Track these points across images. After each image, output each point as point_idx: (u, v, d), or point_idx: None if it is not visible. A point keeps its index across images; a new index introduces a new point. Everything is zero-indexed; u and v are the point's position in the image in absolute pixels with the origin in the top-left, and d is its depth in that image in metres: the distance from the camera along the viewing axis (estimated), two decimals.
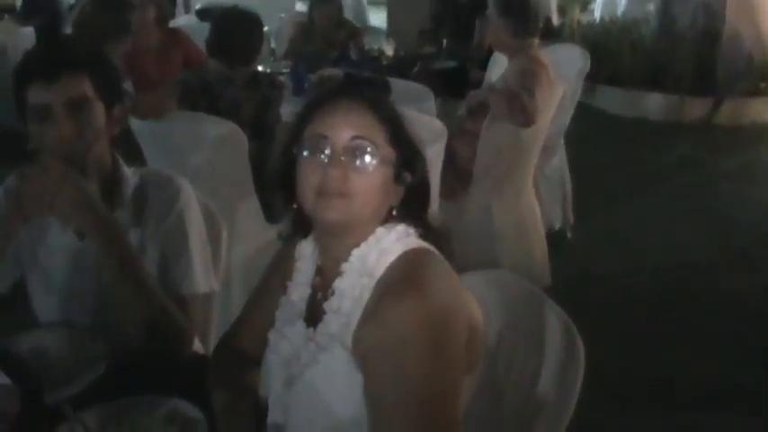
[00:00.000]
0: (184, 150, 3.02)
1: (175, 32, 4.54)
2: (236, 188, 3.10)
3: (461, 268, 1.40)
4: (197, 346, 1.90)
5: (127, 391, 1.55)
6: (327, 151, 1.29)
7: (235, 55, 3.17)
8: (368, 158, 1.30)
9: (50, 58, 1.72)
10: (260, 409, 1.43)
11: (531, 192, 3.82)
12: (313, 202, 1.30)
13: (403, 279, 1.27)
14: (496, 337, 1.61)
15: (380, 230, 1.35)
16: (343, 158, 1.29)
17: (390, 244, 1.33)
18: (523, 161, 3.66)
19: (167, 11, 4.74)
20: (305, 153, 1.31)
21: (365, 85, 2.86)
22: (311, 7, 5.40)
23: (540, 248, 3.83)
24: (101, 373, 1.62)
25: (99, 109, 1.74)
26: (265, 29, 3.54)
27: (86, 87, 1.71)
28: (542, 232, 3.88)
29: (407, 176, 1.36)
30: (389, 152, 1.33)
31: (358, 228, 1.34)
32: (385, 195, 1.34)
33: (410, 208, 1.38)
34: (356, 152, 1.29)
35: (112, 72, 1.82)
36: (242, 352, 1.55)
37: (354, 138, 1.30)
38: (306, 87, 4.11)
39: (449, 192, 3.36)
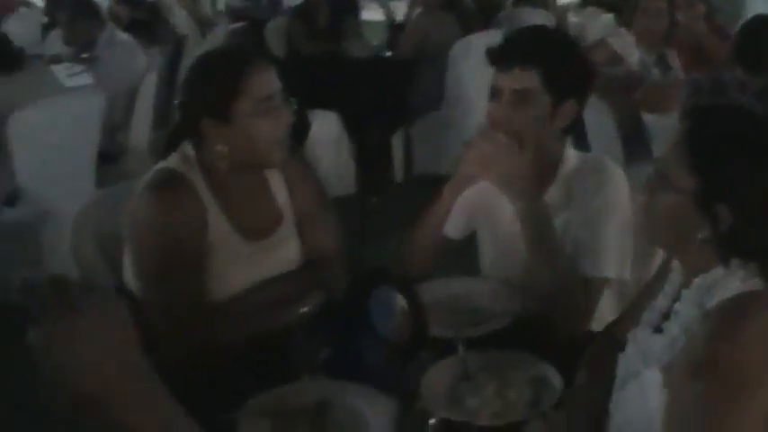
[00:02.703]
0: None
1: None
2: None
3: None
4: None
5: (511, 347, 1.84)
6: None
7: (757, 63, 3.14)
8: None
9: (509, 49, 2.04)
10: None
11: None
12: None
13: (724, 321, 1.34)
14: None
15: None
16: None
17: (731, 280, 1.39)
18: None
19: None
20: None
21: None
22: None
23: None
24: (501, 327, 1.93)
25: (544, 101, 2.01)
26: None
27: (534, 82, 2.00)
28: None
29: None
30: None
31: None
32: None
33: None
34: None
35: (570, 70, 2.06)
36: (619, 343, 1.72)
37: None
38: None
39: None
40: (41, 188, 4.19)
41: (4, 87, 4.32)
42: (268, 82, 2.03)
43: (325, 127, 5.34)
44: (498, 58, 2.04)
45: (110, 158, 4.63)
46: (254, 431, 1.60)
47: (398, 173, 5.76)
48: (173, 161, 2.09)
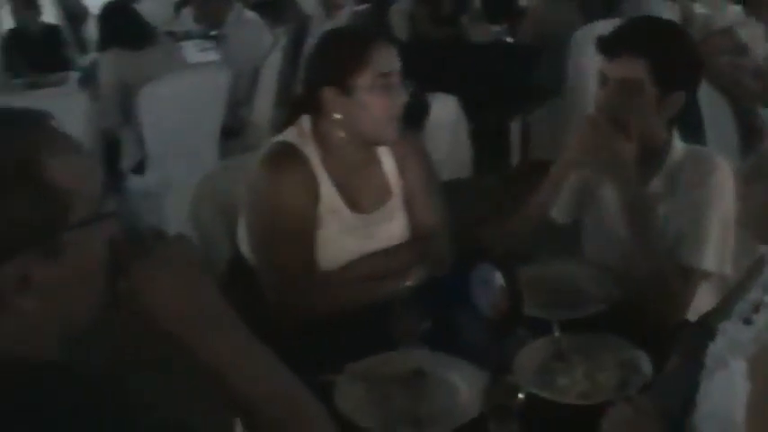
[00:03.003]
0: None
1: None
2: None
3: None
4: None
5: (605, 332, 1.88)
6: None
7: None
8: None
9: (617, 39, 2.06)
10: None
11: None
12: None
13: None
14: None
15: None
16: None
17: None
18: None
19: None
20: None
21: None
22: None
23: None
24: (599, 310, 1.98)
25: (651, 92, 2.02)
26: None
27: (642, 72, 2.01)
28: None
29: None
30: None
31: None
32: None
33: None
34: None
35: (679, 61, 2.06)
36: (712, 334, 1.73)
37: None
38: None
39: None
40: (167, 158, 4.42)
41: (135, 62, 4.56)
42: (389, 59, 2.12)
43: (445, 110, 5.40)
44: (606, 46, 2.07)
45: (233, 133, 4.83)
46: (350, 393, 1.70)
47: (515, 158, 5.77)
48: (289, 135, 2.20)
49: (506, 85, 5.48)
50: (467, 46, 5.94)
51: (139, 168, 4.52)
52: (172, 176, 4.35)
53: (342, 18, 6.50)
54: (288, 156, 2.15)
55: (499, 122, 5.67)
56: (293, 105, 2.29)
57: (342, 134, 2.16)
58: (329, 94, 2.11)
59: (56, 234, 1.03)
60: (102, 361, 1.17)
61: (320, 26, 6.60)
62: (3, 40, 6.22)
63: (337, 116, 2.13)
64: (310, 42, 6.18)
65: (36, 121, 1.08)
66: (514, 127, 5.70)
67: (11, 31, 6.25)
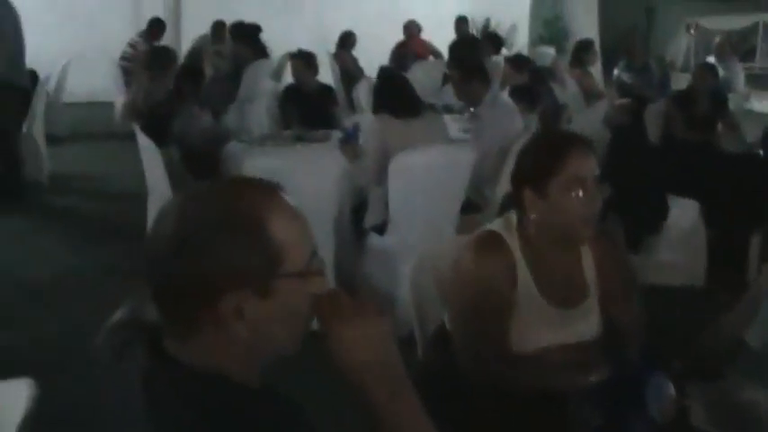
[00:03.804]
0: None
1: None
2: None
3: None
4: None
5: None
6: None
7: None
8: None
9: None
10: None
11: None
12: None
13: None
14: None
15: None
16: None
17: None
18: None
19: None
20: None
21: None
22: None
23: None
24: None
25: None
26: None
27: None
28: None
29: None
30: None
31: None
32: None
33: None
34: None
35: None
36: None
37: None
38: None
39: None
40: (408, 224, 4.75)
41: (401, 130, 4.87)
42: (585, 166, 2.31)
43: (684, 215, 5.44)
44: None
45: (473, 209, 5.10)
46: None
47: (752, 275, 5.65)
48: (496, 224, 2.47)
49: (752, 199, 5.43)
50: (717, 153, 5.94)
51: (381, 228, 4.85)
52: (410, 241, 4.66)
53: (598, 111, 6.69)
54: (493, 243, 2.40)
55: (740, 235, 5.59)
56: (505, 198, 2.55)
57: (539, 232, 2.38)
58: (528, 194, 2.34)
59: (268, 279, 1.33)
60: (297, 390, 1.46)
61: (576, 116, 6.83)
62: (281, 94, 6.96)
63: (533, 216, 2.35)
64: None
65: (269, 189, 1.39)
66: (755, 242, 5.60)
67: (288, 87, 6.98)
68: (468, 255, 2.41)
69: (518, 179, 2.40)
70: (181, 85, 5.58)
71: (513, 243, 2.40)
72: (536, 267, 2.40)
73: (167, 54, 5.58)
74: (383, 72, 5.43)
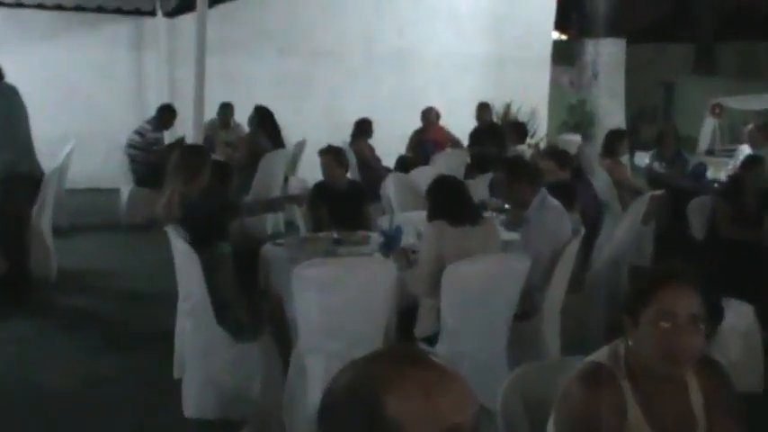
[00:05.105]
0: None
1: None
2: None
3: None
4: None
5: None
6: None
7: None
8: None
9: None
10: None
11: None
12: None
13: None
14: None
15: None
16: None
17: None
18: None
19: None
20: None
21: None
22: None
23: None
24: None
25: None
26: None
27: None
28: None
29: None
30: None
31: None
32: None
33: None
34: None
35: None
36: None
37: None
38: None
39: None
40: (460, 334, 4.65)
41: (457, 237, 4.79)
42: (678, 300, 2.31)
43: (739, 317, 5.35)
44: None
45: (525, 316, 5.01)
46: None
47: None
48: (602, 355, 2.43)
49: None
50: (766, 251, 5.87)
51: (432, 340, 4.74)
52: (464, 350, 4.57)
53: (638, 209, 6.58)
54: (600, 376, 2.37)
55: None
56: (610, 327, 2.54)
57: (639, 361, 2.36)
58: (627, 322, 2.37)
59: None
60: None
61: (612, 215, 6.75)
62: (311, 192, 6.72)
63: (630, 343, 2.36)
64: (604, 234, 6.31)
65: (398, 360, 1.37)
66: None
67: (317, 185, 6.73)
68: (577, 388, 2.38)
69: (623, 305, 2.44)
70: (213, 185, 5.43)
71: (621, 374, 2.39)
72: (645, 400, 2.38)
73: (200, 154, 5.45)
74: (440, 179, 5.18)
